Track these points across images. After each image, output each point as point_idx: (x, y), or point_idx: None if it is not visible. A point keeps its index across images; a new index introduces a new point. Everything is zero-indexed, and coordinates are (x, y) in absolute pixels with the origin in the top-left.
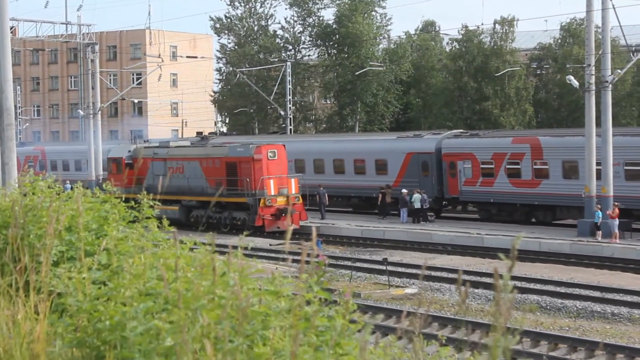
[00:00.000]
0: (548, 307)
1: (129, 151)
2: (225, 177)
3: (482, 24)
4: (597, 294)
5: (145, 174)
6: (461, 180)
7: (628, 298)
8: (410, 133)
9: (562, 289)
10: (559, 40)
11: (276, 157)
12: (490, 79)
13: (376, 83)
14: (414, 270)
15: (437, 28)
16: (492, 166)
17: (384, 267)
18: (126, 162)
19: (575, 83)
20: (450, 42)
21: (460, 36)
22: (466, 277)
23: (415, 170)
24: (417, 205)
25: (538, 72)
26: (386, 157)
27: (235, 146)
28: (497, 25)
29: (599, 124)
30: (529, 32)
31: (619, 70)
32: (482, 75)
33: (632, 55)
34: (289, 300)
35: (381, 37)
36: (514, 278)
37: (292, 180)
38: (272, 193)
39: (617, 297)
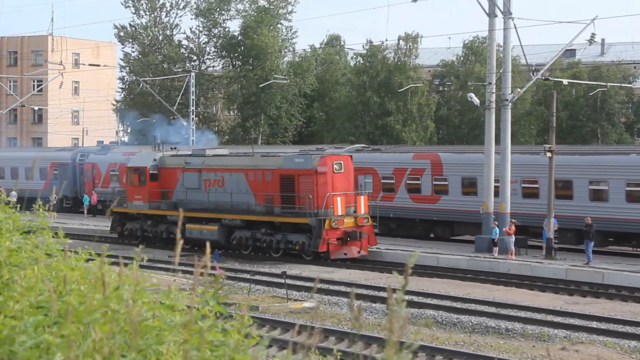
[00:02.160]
0: (444, 322)
1: (154, 160)
2: (279, 193)
3: (387, 40)
4: (492, 309)
5: (173, 187)
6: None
7: (522, 314)
8: (312, 147)
9: (458, 304)
10: (462, 58)
11: (342, 170)
12: (393, 94)
13: (280, 96)
14: (312, 284)
15: (342, 42)
16: (393, 181)
17: (282, 281)
18: (151, 172)
19: (476, 101)
20: (354, 56)
21: (365, 51)
22: (364, 292)
23: None
24: None
25: (440, 89)
26: None
27: (292, 156)
28: (401, 41)
29: (498, 141)
30: (433, 49)
31: (519, 89)
32: (386, 91)
33: (532, 75)
34: (184, 315)
35: (286, 50)
36: (411, 293)
37: (362, 197)
38: (339, 213)
39: (512, 312)
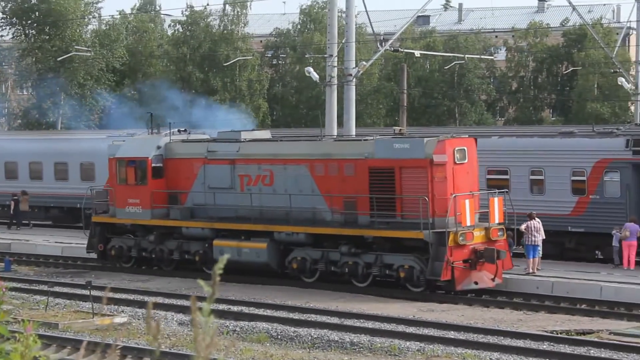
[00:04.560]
0: (279, 337)
1: (158, 147)
2: (369, 194)
3: (208, 5)
4: (335, 320)
5: (189, 186)
6: None
7: (369, 324)
8: (123, 131)
9: (296, 315)
10: (299, 26)
11: (466, 160)
12: (218, 69)
13: (84, 71)
14: (124, 295)
15: (158, 7)
16: None
17: (87, 292)
18: (154, 165)
19: (315, 76)
20: (172, 24)
21: (185, 18)
22: (185, 303)
23: None
24: None
25: (274, 62)
26: (93, 160)
27: (388, 141)
28: (227, 6)
29: (341, 123)
30: (265, 16)
31: (364, 62)
32: (210, 65)
33: (379, 46)
34: None
35: (90, 17)
36: (240, 303)
37: (496, 200)
38: (468, 223)
39: (358, 323)
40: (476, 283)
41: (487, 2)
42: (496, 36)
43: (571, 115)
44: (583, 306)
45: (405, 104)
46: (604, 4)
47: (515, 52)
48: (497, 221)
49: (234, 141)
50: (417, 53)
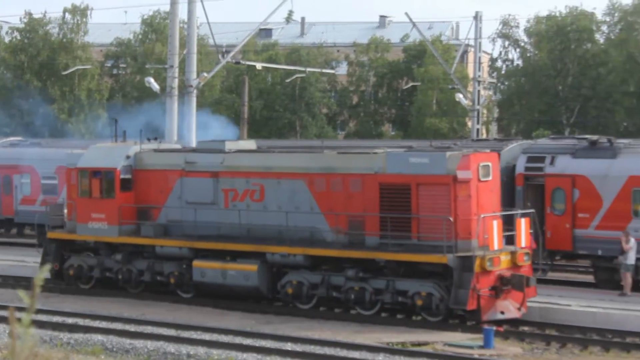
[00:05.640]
0: (114, 349)
1: (127, 157)
2: (381, 213)
3: (47, 12)
4: (172, 332)
5: (162, 200)
6: (18, 198)
7: (206, 336)
8: None
9: (132, 327)
10: (140, 36)
11: (490, 177)
12: (57, 77)
13: None
14: None
15: None
16: (56, 182)
17: None
18: (122, 177)
19: (156, 86)
20: (10, 31)
21: (23, 25)
22: (19, 315)
23: None
24: None
25: (114, 72)
26: None
27: (403, 154)
28: (67, 14)
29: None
30: (105, 25)
31: (205, 74)
32: (48, 73)
33: (221, 57)
34: None
35: None
36: (75, 315)
37: (522, 220)
38: (496, 247)
39: (195, 335)
40: (502, 313)
41: (329, 16)
42: (338, 50)
43: (410, 130)
44: (419, 318)
45: (246, 117)
46: (443, 22)
47: (356, 66)
48: (523, 244)
49: (217, 152)
50: (259, 66)
